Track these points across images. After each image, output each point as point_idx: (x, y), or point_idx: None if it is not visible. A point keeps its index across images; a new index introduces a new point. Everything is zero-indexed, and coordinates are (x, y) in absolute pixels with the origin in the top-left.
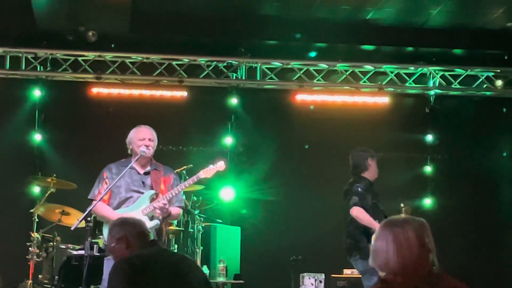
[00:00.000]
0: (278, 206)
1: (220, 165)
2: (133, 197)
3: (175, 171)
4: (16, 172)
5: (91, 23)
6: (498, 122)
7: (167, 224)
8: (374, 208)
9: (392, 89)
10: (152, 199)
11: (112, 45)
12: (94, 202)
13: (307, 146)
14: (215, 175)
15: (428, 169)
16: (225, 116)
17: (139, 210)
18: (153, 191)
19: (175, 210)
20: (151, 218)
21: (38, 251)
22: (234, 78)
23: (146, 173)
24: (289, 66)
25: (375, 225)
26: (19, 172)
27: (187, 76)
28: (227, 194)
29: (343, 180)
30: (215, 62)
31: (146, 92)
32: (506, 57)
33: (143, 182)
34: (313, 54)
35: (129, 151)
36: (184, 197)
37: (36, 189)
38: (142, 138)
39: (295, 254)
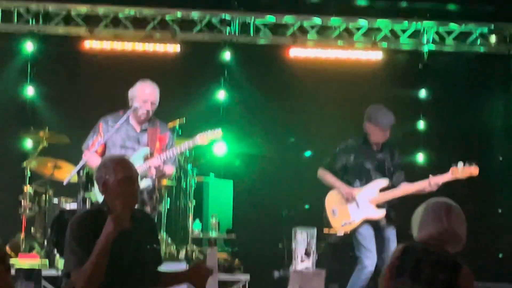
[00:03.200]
0: (270, 160)
1: (217, 132)
2: (127, 154)
3: (168, 125)
4: (8, 126)
5: None
6: (492, 79)
7: (159, 181)
8: (355, 167)
9: (386, 45)
10: (146, 158)
11: None
12: (86, 153)
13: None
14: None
15: (421, 125)
16: (218, 71)
17: None
18: (147, 149)
19: (169, 170)
20: (144, 177)
21: (30, 205)
22: (227, 33)
23: (143, 131)
24: (283, 22)
25: (335, 185)
26: (11, 126)
27: (180, 30)
28: (220, 148)
29: (336, 135)
30: (208, 16)
31: (139, 47)
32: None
33: (138, 140)
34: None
35: (129, 103)
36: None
37: (28, 143)
38: (145, 100)
39: (287, 208)
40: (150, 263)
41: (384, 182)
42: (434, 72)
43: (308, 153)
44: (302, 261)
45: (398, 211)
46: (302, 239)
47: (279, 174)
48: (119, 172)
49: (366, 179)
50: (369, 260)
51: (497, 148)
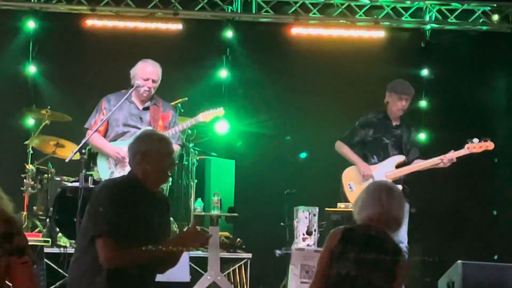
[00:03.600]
0: (272, 139)
1: (219, 110)
2: (129, 132)
3: (171, 104)
4: (10, 104)
5: None
6: (494, 57)
7: None
8: (373, 142)
9: (388, 23)
10: None
11: None
12: (89, 132)
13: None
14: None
15: (423, 103)
16: (220, 49)
17: None
18: (149, 128)
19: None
20: None
21: (32, 183)
22: (229, 11)
23: (145, 109)
24: (285, 0)
25: (352, 160)
26: (13, 104)
27: (182, 8)
28: (222, 127)
29: (338, 114)
30: None
31: (141, 25)
32: None
33: (140, 118)
34: None
35: (131, 82)
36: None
37: (30, 121)
38: (146, 79)
39: (289, 187)
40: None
41: (400, 158)
42: (436, 50)
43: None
44: (304, 239)
45: (412, 188)
46: (304, 218)
47: (281, 152)
48: (164, 147)
49: (383, 154)
50: None
51: (499, 126)
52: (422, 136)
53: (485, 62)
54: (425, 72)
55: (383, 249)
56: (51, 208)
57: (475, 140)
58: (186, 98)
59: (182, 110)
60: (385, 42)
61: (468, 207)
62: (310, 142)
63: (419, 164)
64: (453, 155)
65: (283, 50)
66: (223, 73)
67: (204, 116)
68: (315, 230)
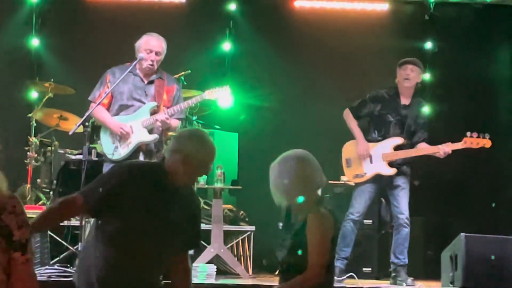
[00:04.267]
0: (276, 112)
1: (225, 89)
2: (134, 106)
3: (175, 78)
4: (13, 77)
5: None
6: (498, 30)
7: (165, 133)
8: (378, 118)
9: None
10: (153, 112)
11: None
12: (92, 105)
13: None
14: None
15: (426, 76)
16: (223, 22)
17: (139, 121)
18: (153, 104)
19: (175, 123)
20: (150, 131)
21: (36, 155)
22: None
23: (150, 82)
24: None
25: (354, 134)
26: (16, 77)
27: None
28: (226, 102)
29: (341, 87)
30: None
31: None
32: None
33: (145, 92)
34: None
35: (136, 55)
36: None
37: (33, 94)
38: (149, 51)
39: None
40: (178, 247)
41: (398, 140)
42: (441, 23)
43: None
44: None
45: (413, 167)
46: None
47: (285, 125)
48: (208, 156)
49: (385, 131)
50: (352, 209)
51: (503, 99)
52: (425, 109)
53: (489, 35)
54: (429, 45)
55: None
56: (55, 181)
57: (474, 134)
58: (189, 71)
59: (185, 83)
60: (389, 15)
61: (471, 180)
62: (313, 115)
63: (415, 150)
64: (449, 148)
65: (286, 23)
66: (227, 46)
67: (209, 94)
68: None
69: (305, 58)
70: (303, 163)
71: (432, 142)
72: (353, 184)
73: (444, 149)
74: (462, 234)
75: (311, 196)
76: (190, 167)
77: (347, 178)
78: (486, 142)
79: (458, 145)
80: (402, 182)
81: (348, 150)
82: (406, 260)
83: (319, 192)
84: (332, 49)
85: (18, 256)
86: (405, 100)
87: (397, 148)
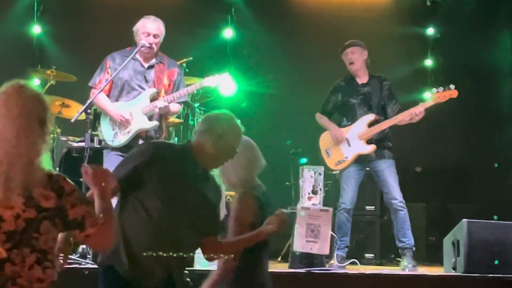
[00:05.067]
0: (277, 99)
1: (225, 76)
2: (134, 92)
3: (177, 63)
4: (15, 64)
5: None
6: (500, 15)
7: (166, 119)
8: (342, 106)
9: None
10: (153, 98)
11: None
12: (93, 91)
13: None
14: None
15: (428, 62)
16: (225, 9)
17: (139, 107)
18: (153, 90)
19: (175, 107)
20: (150, 118)
21: None
22: None
23: (150, 67)
24: None
25: (326, 126)
26: (18, 65)
27: None
28: (228, 89)
29: (343, 74)
30: None
31: None
32: None
33: (145, 77)
34: None
35: (134, 39)
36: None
37: (35, 82)
38: (147, 34)
39: (295, 147)
40: (203, 230)
41: (370, 116)
42: (442, 8)
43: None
44: (309, 198)
45: (415, 147)
46: (310, 177)
47: (287, 112)
48: (236, 141)
49: (351, 115)
50: (343, 198)
51: (505, 85)
52: (427, 95)
53: (491, 20)
54: (430, 31)
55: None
56: (57, 168)
57: (440, 88)
58: (191, 58)
59: (187, 70)
60: (391, 1)
61: (473, 166)
62: (315, 101)
63: (388, 120)
64: (421, 107)
65: (287, 9)
66: (228, 33)
67: (209, 81)
68: (320, 189)
69: (306, 45)
70: (245, 149)
71: (436, 126)
72: (338, 172)
73: (415, 110)
74: (464, 220)
75: (244, 181)
76: (219, 148)
77: (330, 167)
78: (453, 93)
79: (429, 103)
80: (385, 166)
81: (324, 141)
82: (412, 242)
83: (255, 179)
84: (334, 36)
85: (77, 233)
86: (361, 80)
87: (372, 124)
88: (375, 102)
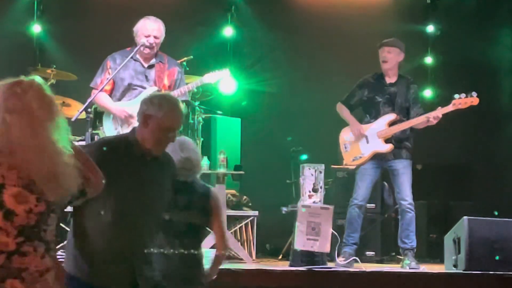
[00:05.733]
0: (278, 98)
1: (225, 72)
2: (135, 91)
3: (177, 62)
4: (15, 63)
5: None
6: (500, 12)
7: None
8: (367, 102)
9: None
10: None
11: None
12: (94, 91)
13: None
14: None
15: (428, 60)
16: (225, 7)
17: None
18: (155, 88)
19: None
20: None
21: None
22: None
23: (150, 66)
24: None
25: (347, 120)
26: (18, 64)
27: None
28: (229, 87)
29: (344, 72)
30: None
31: None
32: None
33: (146, 76)
34: None
35: (135, 40)
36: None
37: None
38: (147, 35)
39: (295, 145)
40: (160, 210)
41: (391, 116)
42: (442, 6)
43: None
44: (310, 196)
45: (417, 145)
46: (310, 175)
47: (287, 110)
48: (168, 120)
49: (375, 112)
50: (355, 194)
51: (506, 82)
52: (428, 93)
53: (491, 17)
54: (430, 28)
55: (195, 192)
56: None
57: (462, 95)
58: (192, 56)
59: (188, 69)
60: None
61: (474, 163)
62: (315, 100)
63: (407, 122)
64: (439, 112)
65: (287, 8)
66: (228, 31)
67: (209, 77)
68: (321, 187)
69: (307, 43)
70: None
71: (436, 124)
72: (354, 168)
73: (433, 114)
74: (465, 217)
75: None
76: (151, 128)
77: (347, 163)
78: (474, 100)
79: (449, 108)
80: (401, 166)
81: (344, 135)
82: (414, 244)
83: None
84: (334, 34)
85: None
86: (390, 79)
87: (392, 124)
88: (400, 103)
